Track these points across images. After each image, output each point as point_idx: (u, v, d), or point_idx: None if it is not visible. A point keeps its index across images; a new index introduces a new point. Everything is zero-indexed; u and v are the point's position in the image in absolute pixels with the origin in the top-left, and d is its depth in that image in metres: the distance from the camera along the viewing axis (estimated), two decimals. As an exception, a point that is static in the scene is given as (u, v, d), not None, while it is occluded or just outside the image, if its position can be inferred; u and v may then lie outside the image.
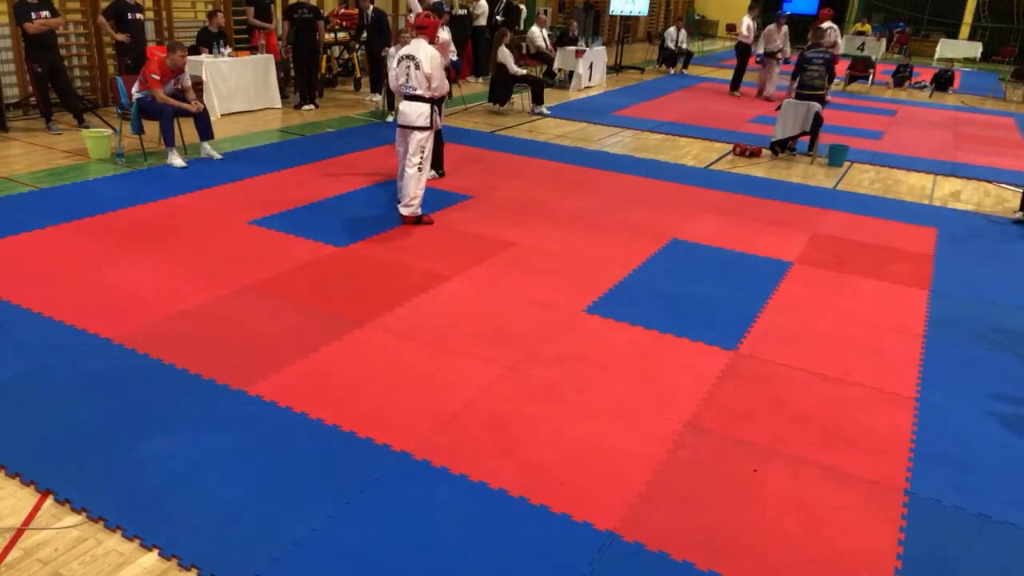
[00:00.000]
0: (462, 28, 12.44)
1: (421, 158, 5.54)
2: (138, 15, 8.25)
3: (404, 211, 5.65)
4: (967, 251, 5.96)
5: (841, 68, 15.76)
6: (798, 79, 8.70)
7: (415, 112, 5.47)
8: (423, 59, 5.37)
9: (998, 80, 16.67)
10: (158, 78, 6.77)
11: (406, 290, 4.58)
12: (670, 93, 13.57)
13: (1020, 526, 2.86)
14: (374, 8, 10.05)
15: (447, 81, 5.63)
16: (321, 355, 3.77)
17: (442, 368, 3.72)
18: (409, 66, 5.41)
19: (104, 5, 8.49)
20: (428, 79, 5.40)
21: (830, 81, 8.91)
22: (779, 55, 12.89)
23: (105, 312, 4.07)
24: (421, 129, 5.49)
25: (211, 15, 9.35)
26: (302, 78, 9.93)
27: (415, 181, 5.58)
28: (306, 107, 9.91)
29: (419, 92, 5.43)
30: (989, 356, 4.21)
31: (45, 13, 7.45)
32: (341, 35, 11.43)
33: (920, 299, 4.93)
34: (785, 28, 12.95)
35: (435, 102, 5.53)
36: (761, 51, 13.17)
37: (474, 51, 13.17)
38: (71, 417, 3.15)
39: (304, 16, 9.47)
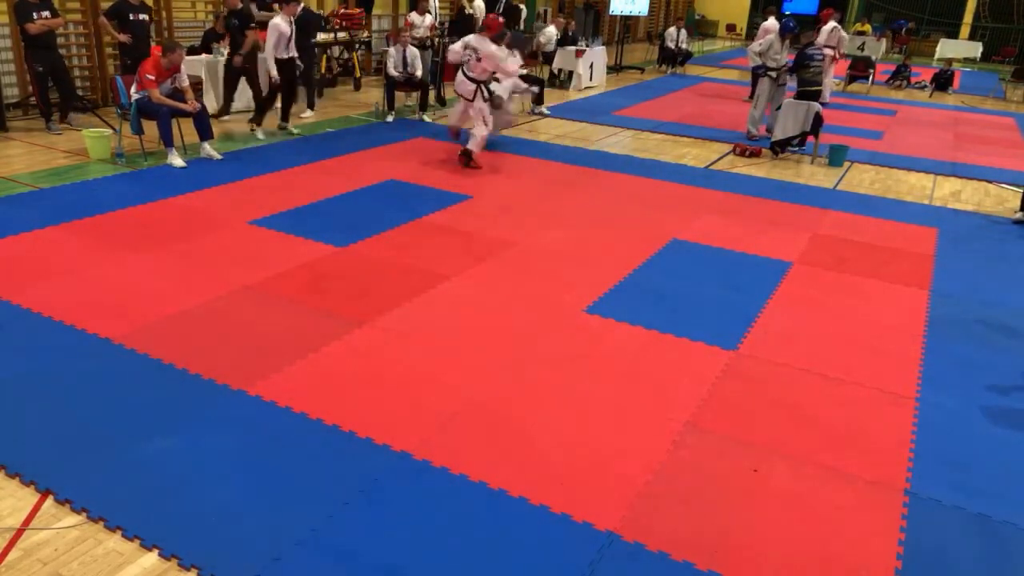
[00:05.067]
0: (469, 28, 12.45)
1: (482, 118, 7.51)
2: (141, 16, 8.19)
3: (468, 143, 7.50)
4: (967, 251, 5.96)
5: (841, 68, 15.81)
6: (797, 76, 8.68)
7: (465, 87, 7.49)
8: (482, 51, 7.26)
9: (998, 80, 16.67)
10: (152, 78, 6.75)
11: (406, 290, 4.58)
12: (670, 93, 13.58)
13: (1020, 526, 2.86)
14: (304, 7, 8.83)
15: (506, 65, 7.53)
16: (321, 355, 3.77)
17: (442, 368, 3.72)
18: (470, 55, 7.34)
19: (105, 5, 8.48)
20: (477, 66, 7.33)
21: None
22: (780, 77, 9.44)
23: (105, 312, 4.07)
24: (470, 99, 7.52)
25: (218, 17, 9.34)
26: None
27: (476, 129, 7.54)
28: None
29: (472, 75, 7.41)
30: (989, 356, 4.21)
31: (46, 13, 7.48)
32: (341, 35, 11.43)
33: (920, 299, 4.93)
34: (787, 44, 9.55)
35: (480, 82, 7.44)
36: (758, 61, 10.01)
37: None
38: (71, 417, 3.15)
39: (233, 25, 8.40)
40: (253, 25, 8.33)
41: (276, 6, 9.25)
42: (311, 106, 9.69)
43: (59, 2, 8.30)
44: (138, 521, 2.60)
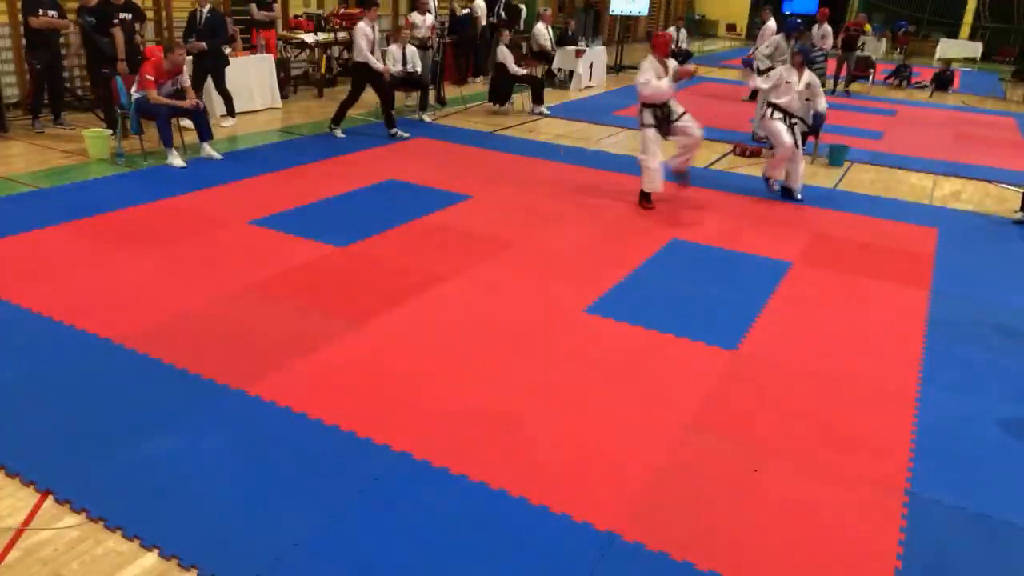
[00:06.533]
0: (467, 29, 12.47)
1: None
2: (121, 15, 8.04)
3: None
4: (967, 251, 5.96)
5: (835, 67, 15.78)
6: None
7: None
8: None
9: (998, 80, 16.67)
10: (151, 78, 6.75)
11: (406, 290, 4.58)
12: (670, 93, 13.55)
13: (1020, 526, 2.86)
14: (211, 8, 8.47)
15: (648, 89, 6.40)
16: (321, 355, 3.77)
17: (442, 368, 3.72)
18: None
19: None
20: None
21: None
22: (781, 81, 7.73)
23: (105, 312, 4.07)
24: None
25: None
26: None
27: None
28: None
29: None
30: (989, 356, 4.21)
31: (53, 13, 7.58)
32: (341, 35, 11.42)
33: (920, 299, 4.93)
34: (794, 43, 8.71)
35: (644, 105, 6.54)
36: (768, 64, 8.95)
37: (474, 51, 13.17)
38: (71, 417, 3.15)
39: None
40: (116, 22, 7.76)
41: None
42: (231, 113, 8.89)
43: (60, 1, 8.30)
44: (138, 521, 2.60)
